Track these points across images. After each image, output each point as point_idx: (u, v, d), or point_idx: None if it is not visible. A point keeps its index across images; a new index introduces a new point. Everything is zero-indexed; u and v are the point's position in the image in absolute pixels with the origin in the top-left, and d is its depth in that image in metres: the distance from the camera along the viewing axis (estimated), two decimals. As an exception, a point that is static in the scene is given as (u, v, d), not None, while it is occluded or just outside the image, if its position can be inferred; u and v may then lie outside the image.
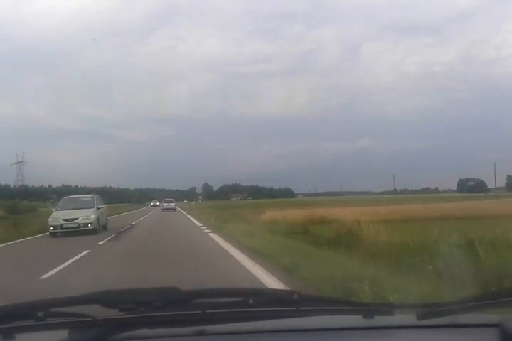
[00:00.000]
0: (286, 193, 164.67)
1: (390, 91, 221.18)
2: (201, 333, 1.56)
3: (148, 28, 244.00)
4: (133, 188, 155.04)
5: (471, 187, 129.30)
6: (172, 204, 52.82)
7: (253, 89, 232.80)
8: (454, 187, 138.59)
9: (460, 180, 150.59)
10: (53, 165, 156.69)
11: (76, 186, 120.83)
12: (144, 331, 1.55)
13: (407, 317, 1.67)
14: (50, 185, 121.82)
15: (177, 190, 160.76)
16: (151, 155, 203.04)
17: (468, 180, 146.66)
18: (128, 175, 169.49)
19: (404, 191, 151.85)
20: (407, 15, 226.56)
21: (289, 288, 6.06)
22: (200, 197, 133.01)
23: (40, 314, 1.45)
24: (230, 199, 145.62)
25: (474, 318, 1.67)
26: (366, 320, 1.67)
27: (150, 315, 1.54)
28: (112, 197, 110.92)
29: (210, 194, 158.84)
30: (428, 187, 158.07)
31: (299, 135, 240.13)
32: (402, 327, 1.65)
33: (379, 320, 1.67)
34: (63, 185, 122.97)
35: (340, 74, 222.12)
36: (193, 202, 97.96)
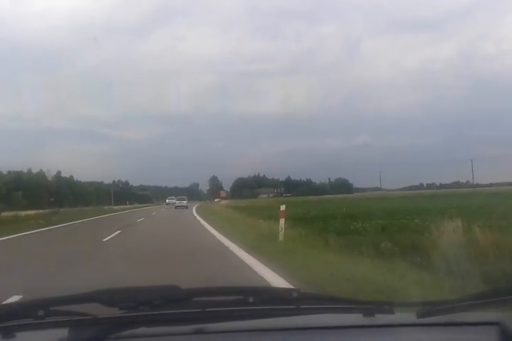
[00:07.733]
0: (342, 188, 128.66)
1: (389, 88, 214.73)
2: (201, 331, 1.57)
3: (146, 26, 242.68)
4: (107, 182, 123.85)
5: None
6: (184, 202, 56.98)
7: (255, 87, 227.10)
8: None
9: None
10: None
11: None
12: (143, 329, 1.56)
13: (408, 316, 1.65)
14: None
15: (175, 188, 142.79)
16: (145, 152, 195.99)
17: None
18: (119, 171, 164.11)
19: (432, 185, 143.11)
20: (407, 11, 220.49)
21: None
22: (224, 194, 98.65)
23: (41, 312, 1.47)
24: (257, 197, 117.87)
25: (474, 316, 1.65)
26: (367, 318, 1.66)
27: (150, 313, 1.55)
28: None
29: (220, 190, 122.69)
30: (459, 181, 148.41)
31: (308, 130, 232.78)
32: (403, 326, 1.64)
33: (379, 319, 1.66)
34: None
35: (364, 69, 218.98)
36: (222, 202, 65.58)
